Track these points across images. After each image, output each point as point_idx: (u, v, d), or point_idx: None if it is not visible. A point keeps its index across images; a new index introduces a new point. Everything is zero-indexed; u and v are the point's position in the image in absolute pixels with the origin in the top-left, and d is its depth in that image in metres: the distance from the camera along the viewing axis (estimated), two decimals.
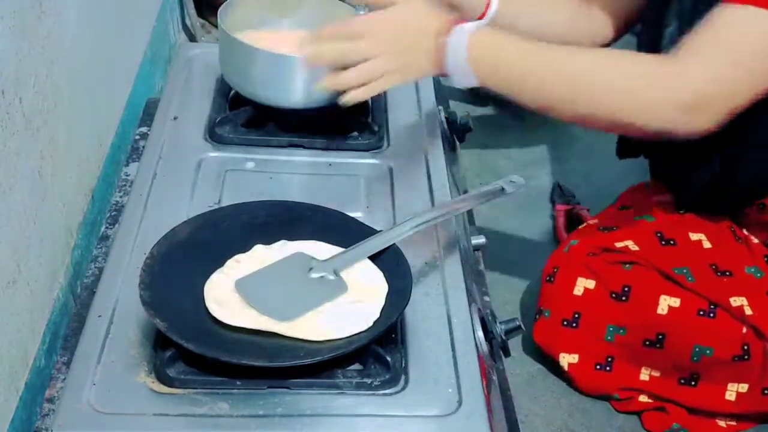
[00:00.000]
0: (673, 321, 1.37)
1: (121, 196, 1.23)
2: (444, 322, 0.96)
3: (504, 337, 1.05)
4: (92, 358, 0.88)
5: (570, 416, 1.49)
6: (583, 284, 1.42)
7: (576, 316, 1.44)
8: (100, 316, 0.93)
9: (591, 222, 1.54)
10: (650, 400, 1.47)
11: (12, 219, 0.93)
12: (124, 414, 0.83)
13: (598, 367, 1.46)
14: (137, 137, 1.36)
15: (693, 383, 1.41)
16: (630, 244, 1.41)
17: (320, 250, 0.99)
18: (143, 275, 0.91)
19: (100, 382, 0.86)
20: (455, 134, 1.40)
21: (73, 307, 1.12)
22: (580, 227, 1.58)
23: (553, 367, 1.54)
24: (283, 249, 0.99)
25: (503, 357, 1.09)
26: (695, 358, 1.37)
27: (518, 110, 2.28)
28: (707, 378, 1.40)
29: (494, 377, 1.01)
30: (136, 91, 1.52)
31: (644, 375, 1.44)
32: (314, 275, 0.95)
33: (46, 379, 1.00)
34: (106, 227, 1.19)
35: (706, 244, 1.41)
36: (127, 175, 1.26)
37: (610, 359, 1.45)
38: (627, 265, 1.40)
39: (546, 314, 1.47)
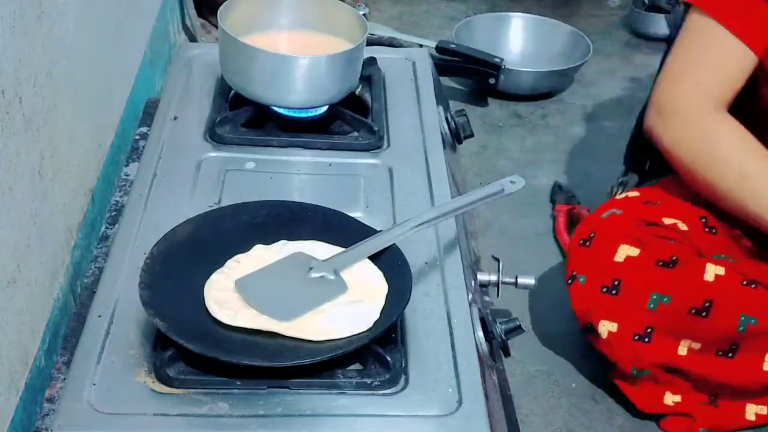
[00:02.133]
0: (720, 288, 1.33)
1: (121, 196, 1.23)
2: (444, 322, 0.96)
3: (504, 337, 1.05)
4: (92, 358, 0.88)
5: (570, 416, 1.49)
6: (625, 252, 1.37)
7: (615, 282, 1.38)
8: (100, 316, 0.93)
9: (631, 195, 1.49)
10: (677, 399, 1.44)
11: (12, 219, 0.93)
12: (124, 414, 0.83)
13: (636, 337, 1.39)
14: (137, 137, 1.36)
15: (731, 354, 1.37)
16: (678, 222, 1.39)
17: (320, 250, 0.99)
18: (143, 275, 0.91)
19: (100, 382, 0.86)
20: (455, 137, 1.40)
21: (73, 307, 1.12)
22: (617, 197, 1.52)
23: (553, 366, 1.55)
24: (283, 249, 0.99)
25: (503, 357, 1.09)
26: (741, 328, 1.33)
27: (518, 110, 2.30)
28: (746, 349, 1.37)
29: (494, 377, 1.01)
30: (136, 91, 1.52)
31: (682, 348, 1.39)
32: (314, 275, 0.95)
33: (46, 379, 1.00)
34: (106, 227, 1.19)
35: (745, 241, 1.41)
36: (127, 175, 1.26)
37: (649, 330, 1.39)
38: (673, 241, 1.38)
39: (581, 280, 1.41)
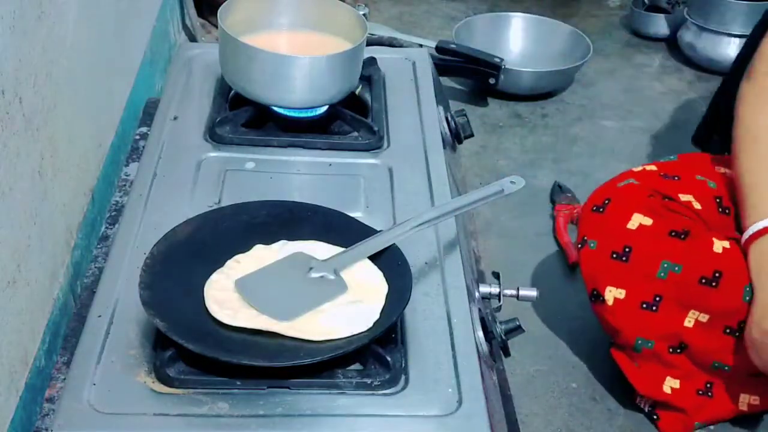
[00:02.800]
0: (728, 259, 1.34)
1: (121, 196, 1.23)
2: (444, 322, 0.96)
3: (504, 337, 1.05)
4: (92, 358, 0.88)
5: (570, 416, 1.49)
6: (639, 220, 1.38)
7: (627, 249, 1.38)
8: (100, 316, 0.93)
9: (648, 168, 1.49)
10: (676, 385, 1.43)
11: (12, 219, 0.93)
12: (124, 414, 0.83)
13: (644, 305, 1.39)
14: (137, 137, 1.36)
15: (738, 334, 1.38)
16: (692, 200, 1.40)
17: (320, 250, 0.99)
18: (143, 275, 0.91)
19: (100, 382, 0.86)
20: (455, 137, 1.40)
21: (73, 307, 1.12)
22: (635, 169, 1.52)
23: (553, 366, 1.55)
24: (283, 249, 0.99)
25: (503, 357, 1.09)
26: (747, 298, 1.33)
27: (518, 110, 2.30)
28: None
29: (494, 377, 1.01)
30: (136, 91, 1.52)
31: (689, 321, 1.39)
32: (314, 275, 0.95)
33: (46, 379, 1.00)
34: (106, 227, 1.19)
35: None
36: (127, 175, 1.26)
37: (658, 299, 1.38)
38: (686, 217, 1.39)
39: (591, 245, 1.41)
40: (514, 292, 1.11)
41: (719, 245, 1.35)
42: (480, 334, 1.00)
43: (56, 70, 1.08)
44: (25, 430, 0.95)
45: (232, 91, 1.30)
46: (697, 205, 1.41)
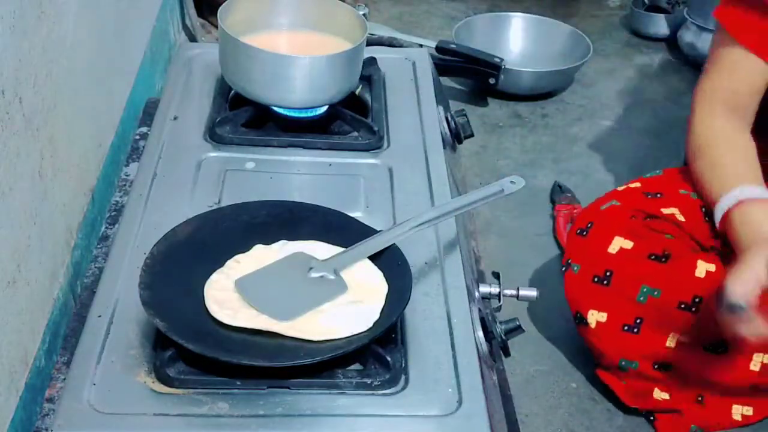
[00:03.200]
0: (710, 285, 1.33)
1: (121, 196, 1.23)
2: (444, 322, 0.96)
3: (504, 337, 1.05)
4: (92, 358, 0.88)
5: (570, 416, 1.49)
6: (619, 243, 1.39)
7: (608, 273, 1.40)
8: (100, 316, 0.93)
9: (632, 186, 1.50)
10: (666, 397, 1.44)
11: (12, 219, 0.93)
12: (124, 414, 0.83)
13: (625, 328, 1.41)
14: (137, 137, 1.36)
15: (720, 350, 1.39)
16: (677, 213, 1.40)
17: (320, 250, 0.99)
18: (143, 275, 0.91)
19: (100, 382, 0.86)
20: (455, 137, 1.40)
21: (73, 307, 1.12)
22: (620, 188, 1.54)
23: (553, 366, 1.54)
24: (283, 249, 0.99)
25: (503, 357, 1.09)
26: None
27: (518, 110, 2.30)
28: (734, 347, 1.38)
29: (494, 377, 1.01)
30: (136, 91, 1.52)
31: (671, 342, 1.40)
32: (314, 275, 0.95)
33: (46, 379, 1.00)
34: (106, 227, 1.19)
35: None
36: (127, 175, 1.26)
37: (638, 321, 1.40)
38: (669, 236, 1.39)
39: (575, 268, 1.43)
40: (514, 292, 1.11)
41: (703, 268, 1.35)
42: (480, 334, 1.00)
43: (56, 70, 1.08)
44: (25, 430, 0.95)
45: (232, 91, 1.30)
46: (681, 218, 1.41)
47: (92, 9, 1.26)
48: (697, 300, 1.35)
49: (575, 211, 1.89)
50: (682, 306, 1.36)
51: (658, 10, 2.69)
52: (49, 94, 1.05)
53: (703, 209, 1.41)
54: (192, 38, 2.18)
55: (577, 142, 2.19)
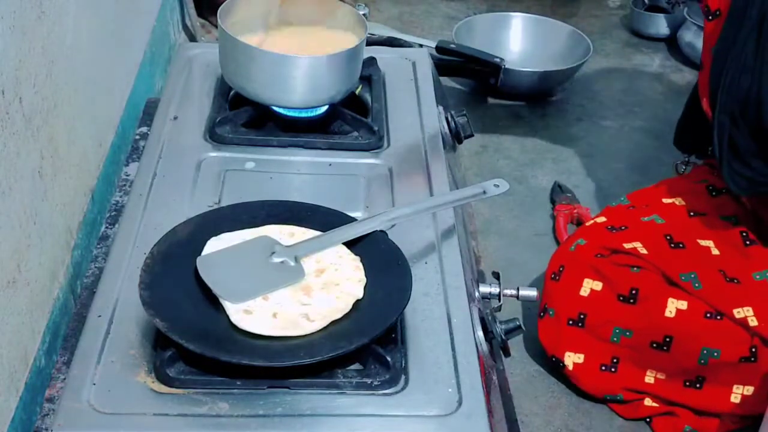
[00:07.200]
0: (680, 324, 1.36)
1: (121, 196, 1.23)
2: (444, 322, 0.96)
3: (504, 337, 1.05)
4: (92, 358, 0.88)
5: (570, 416, 1.49)
6: (589, 285, 1.42)
7: (581, 316, 1.43)
8: (100, 316, 0.93)
9: (599, 221, 1.53)
10: (656, 404, 1.46)
11: (12, 219, 0.93)
12: (124, 414, 0.83)
13: (603, 368, 1.45)
14: (137, 137, 1.36)
15: (698, 385, 1.41)
16: (639, 246, 1.41)
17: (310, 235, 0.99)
18: (143, 275, 0.91)
19: (100, 382, 0.86)
20: (455, 137, 1.40)
21: (73, 307, 1.12)
22: (586, 224, 1.58)
23: (553, 366, 1.55)
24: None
25: (503, 357, 1.09)
26: (702, 361, 1.37)
27: (518, 110, 2.30)
28: (713, 380, 1.40)
29: (494, 377, 1.01)
30: (136, 91, 1.52)
31: (649, 377, 1.44)
32: (275, 260, 0.95)
33: (46, 379, 1.00)
34: (106, 227, 1.19)
35: (715, 251, 1.43)
36: (127, 175, 1.26)
37: (615, 360, 1.45)
38: (635, 269, 1.40)
39: (551, 313, 1.47)
40: (514, 292, 1.11)
41: (673, 306, 1.37)
42: (480, 334, 1.00)
43: (56, 70, 1.08)
44: (25, 430, 0.95)
45: (232, 91, 1.30)
46: (644, 250, 1.42)
47: (92, 9, 1.26)
48: (668, 339, 1.38)
49: (575, 211, 1.90)
50: (654, 345, 1.39)
51: (658, 10, 2.69)
52: (49, 94, 1.05)
53: (667, 237, 1.43)
54: (192, 38, 2.18)
55: (577, 142, 2.19)
